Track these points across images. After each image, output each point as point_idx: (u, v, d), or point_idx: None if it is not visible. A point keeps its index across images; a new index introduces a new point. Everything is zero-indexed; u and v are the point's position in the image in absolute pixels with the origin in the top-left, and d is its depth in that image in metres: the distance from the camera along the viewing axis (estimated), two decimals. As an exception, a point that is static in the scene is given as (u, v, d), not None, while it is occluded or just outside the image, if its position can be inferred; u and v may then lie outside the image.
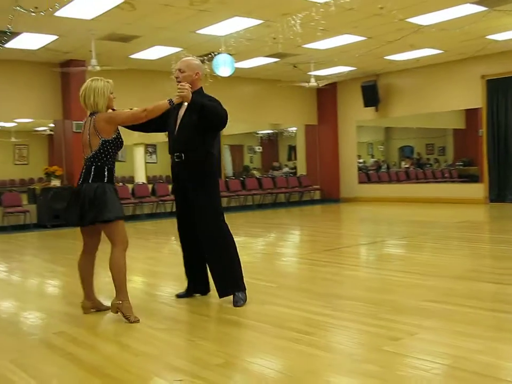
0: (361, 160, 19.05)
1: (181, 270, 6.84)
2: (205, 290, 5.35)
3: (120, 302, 4.57)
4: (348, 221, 13.78)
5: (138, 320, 4.53)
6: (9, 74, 12.83)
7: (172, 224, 12.49)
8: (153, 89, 14.25)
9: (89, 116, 4.79)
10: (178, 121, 5.07)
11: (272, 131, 22.99)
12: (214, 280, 5.04)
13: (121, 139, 4.79)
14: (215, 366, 3.43)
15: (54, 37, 10.93)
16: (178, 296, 5.33)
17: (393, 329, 3.99)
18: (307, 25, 10.13)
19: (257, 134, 23.18)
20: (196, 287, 5.33)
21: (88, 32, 10.50)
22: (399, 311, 4.50)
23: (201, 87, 5.13)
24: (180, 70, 5.07)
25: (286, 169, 21.70)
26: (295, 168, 20.49)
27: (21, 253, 9.52)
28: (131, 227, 12.66)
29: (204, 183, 5.01)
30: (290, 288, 5.67)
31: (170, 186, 15.07)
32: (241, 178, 17.20)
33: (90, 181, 4.62)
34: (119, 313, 4.57)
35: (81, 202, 4.57)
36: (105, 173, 4.66)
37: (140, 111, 4.73)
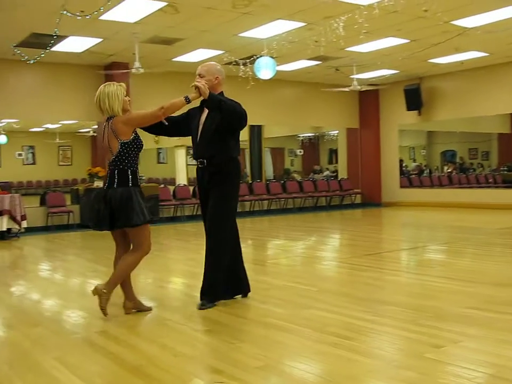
0: (403, 165, 18.83)
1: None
2: (243, 291, 5.37)
3: (105, 290, 4.68)
4: (389, 225, 13.64)
5: (107, 314, 4.69)
6: (54, 77, 13.08)
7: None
8: (194, 91, 14.34)
9: (106, 120, 4.85)
10: (200, 127, 5.10)
11: (313, 134, 22.90)
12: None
13: (140, 140, 4.84)
14: (255, 368, 3.42)
15: (99, 40, 11.11)
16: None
17: (435, 336, 3.93)
18: (350, 28, 10.06)
19: (299, 137, 23.12)
20: (233, 289, 5.33)
21: (131, 35, 10.63)
22: (441, 318, 4.42)
23: (222, 92, 5.17)
24: (199, 75, 5.10)
25: (326, 173, 21.59)
26: (336, 171, 20.36)
27: (64, 252, 9.68)
28: (171, 229, 12.78)
29: (223, 188, 5.04)
30: (330, 292, 5.63)
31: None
32: (282, 181, 17.18)
33: (115, 186, 4.69)
34: (96, 296, 4.70)
35: (108, 208, 4.67)
36: (129, 176, 4.73)
37: (157, 110, 4.75)
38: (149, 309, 5.00)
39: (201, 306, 4.95)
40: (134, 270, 4.92)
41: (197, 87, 4.86)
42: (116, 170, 4.72)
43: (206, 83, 4.89)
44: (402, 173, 18.18)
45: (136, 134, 4.82)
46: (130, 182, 4.71)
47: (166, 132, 5.30)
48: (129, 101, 4.87)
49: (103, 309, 4.68)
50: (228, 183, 5.08)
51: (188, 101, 4.84)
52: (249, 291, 5.37)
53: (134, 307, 4.96)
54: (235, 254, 5.27)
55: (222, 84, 5.19)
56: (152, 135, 5.53)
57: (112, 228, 4.76)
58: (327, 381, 3.23)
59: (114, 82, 4.85)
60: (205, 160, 5.06)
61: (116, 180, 4.70)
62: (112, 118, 4.78)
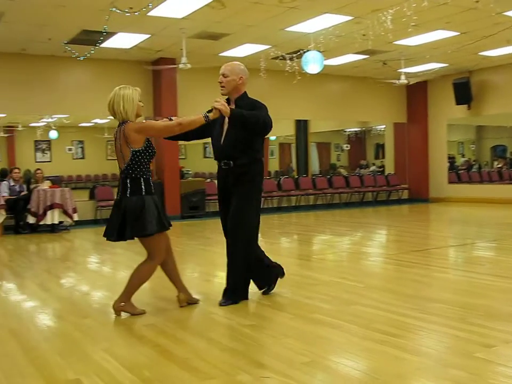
0: (454, 161, 18.52)
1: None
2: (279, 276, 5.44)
3: (122, 304, 4.74)
4: (437, 221, 13.43)
5: (144, 311, 4.76)
6: (103, 73, 13.27)
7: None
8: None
9: (119, 126, 4.73)
10: (225, 127, 5.04)
11: (359, 129, 22.73)
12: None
13: (153, 148, 4.73)
14: (301, 364, 3.42)
15: (146, 36, 11.22)
16: (264, 292, 5.37)
17: (486, 336, 3.85)
18: (398, 21, 9.92)
19: (345, 131, 22.97)
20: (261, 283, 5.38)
21: (179, 31, 10.71)
22: (492, 317, 4.34)
23: (245, 92, 5.15)
24: (223, 75, 5.04)
25: (373, 168, 21.40)
26: (382, 166, 20.15)
27: (112, 245, 9.80)
28: (217, 223, 12.82)
29: (247, 189, 5.05)
30: (377, 289, 5.58)
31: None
32: (328, 176, 17.09)
33: (128, 195, 4.62)
34: (123, 313, 4.74)
35: (120, 217, 4.62)
36: (142, 185, 4.64)
37: (174, 125, 4.70)
38: (197, 301, 5.07)
39: (223, 303, 4.97)
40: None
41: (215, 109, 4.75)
42: (128, 179, 4.64)
43: (225, 101, 4.84)
44: (452, 168, 17.88)
45: (149, 141, 4.70)
46: (143, 191, 4.63)
47: (185, 138, 5.26)
48: (142, 106, 4.78)
49: (135, 313, 4.74)
50: (252, 184, 5.10)
51: (207, 120, 4.76)
52: (284, 274, 5.46)
53: (187, 299, 5.01)
54: (259, 250, 5.28)
55: (245, 83, 5.15)
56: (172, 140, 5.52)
57: (120, 239, 4.71)
58: (373, 379, 3.20)
59: (130, 86, 4.71)
60: (231, 162, 5.03)
61: (128, 188, 4.63)
62: (124, 123, 4.65)
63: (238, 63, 5.22)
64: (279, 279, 5.43)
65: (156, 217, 4.63)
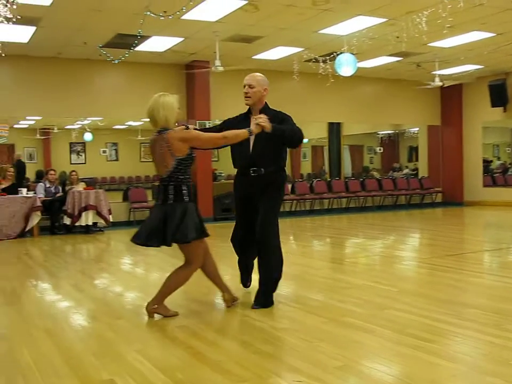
0: (489, 165, 18.25)
1: (298, 269, 6.89)
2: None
3: (156, 306, 4.79)
4: (471, 225, 13.25)
5: (177, 313, 4.83)
6: (137, 76, 13.42)
7: (290, 224, 12.53)
8: (273, 88, 14.37)
9: (158, 133, 4.73)
10: (252, 137, 5.05)
11: (392, 131, 22.54)
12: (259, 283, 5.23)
13: (193, 154, 4.75)
14: (334, 368, 3.40)
15: (180, 39, 11.31)
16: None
17: (522, 342, 3.79)
18: (433, 23, 9.82)
19: (378, 134, 22.81)
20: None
21: (212, 34, 10.76)
22: (529, 323, 4.26)
23: (266, 102, 5.29)
24: (250, 85, 5.18)
25: (406, 171, 21.20)
26: (415, 169, 19.95)
27: (145, 247, 9.90)
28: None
29: (274, 196, 5.19)
30: (410, 293, 5.53)
31: (289, 186, 15.22)
32: (361, 179, 16.99)
33: (171, 201, 4.62)
34: (156, 315, 4.80)
35: (162, 223, 4.62)
36: (185, 192, 4.65)
37: (219, 137, 4.83)
38: (237, 299, 5.15)
39: (255, 307, 5.02)
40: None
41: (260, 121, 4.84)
42: (171, 187, 4.63)
43: (266, 117, 4.88)
44: (488, 171, 17.62)
45: (191, 148, 4.71)
46: (186, 198, 4.64)
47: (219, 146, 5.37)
48: (180, 113, 4.83)
49: (168, 315, 4.80)
50: (280, 191, 5.28)
51: (250, 134, 4.88)
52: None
53: (232, 299, 5.11)
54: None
55: (267, 93, 5.31)
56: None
57: (163, 244, 4.71)
58: (407, 384, 3.17)
59: (169, 93, 4.76)
60: (262, 169, 5.14)
61: (171, 195, 4.63)
62: (165, 130, 4.66)
63: (261, 74, 5.38)
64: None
65: (197, 224, 4.66)
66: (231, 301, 5.08)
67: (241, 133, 4.83)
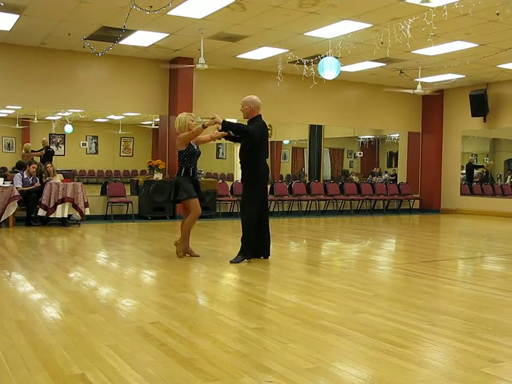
0: (464, 171, 18.42)
1: (273, 270, 6.92)
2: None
3: (179, 241, 7.71)
4: (447, 233, 13.37)
5: (185, 255, 7.66)
6: (121, 70, 13.35)
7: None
8: (256, 88, 14.40)
9: None
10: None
11: (373, 136, 22.66)
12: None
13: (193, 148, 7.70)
14: (306, 370, 3.41)
15: (165, 35, 11.25)
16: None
17: (493, 351, 3.82)
18: (417, 31, 9.90)
19: (358, 138, 22.92)
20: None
21: (197, 31, 10.73)
22: (500, 332, 4.31)
23: (258, 115, 7.52)
24: (241, 106, 7.54)
25: (385, 176, 21.33)
26: (394, 175, 20.08)
27: (121, 242, 9.87)
28: (228, 224, 12.88)
29: None
30: (385, 298, 5.56)
31: (268, 186, 15.25)
32: (340, 183, 17.05)
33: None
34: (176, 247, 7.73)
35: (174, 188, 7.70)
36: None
37: (189, 133, 7.58)
38: (197, 255, 7.69)
39: (233, 260, 7.37)
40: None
41: (213, 118, 7.33)
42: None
43: (217, 115, 7.35)
44: (470, 179, 17.84)
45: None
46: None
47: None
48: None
49: (178, 252, 7.69)
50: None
51: (204, 127, 7.39)
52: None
53: (185, 251, 7.71)
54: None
55: (255, 109, 7.49)
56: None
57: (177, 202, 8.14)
58: (378, 388, 3.18)
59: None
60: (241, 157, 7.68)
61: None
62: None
63: (250, 96, 7.59)
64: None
65: (187, 189, 7.57)
66: (181, 251, 7.67)
67: (199, 127, 7.44)
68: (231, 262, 7.33)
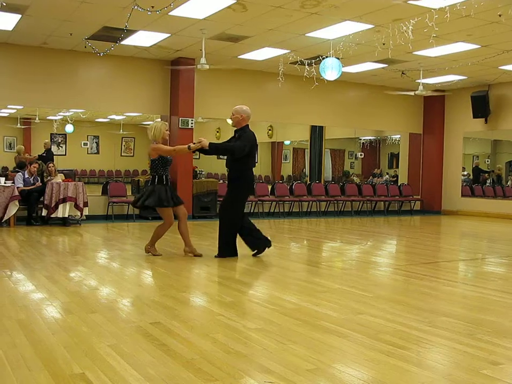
0: (465, 173, 18.42)
1: (274, 270, 6.93)
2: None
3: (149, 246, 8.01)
4: (448, 234, 13.36)
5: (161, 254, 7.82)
6: (122, 70, 13.35)
7: (268, 225, 12.54)
8: (258, 89, 14.40)
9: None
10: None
11: (374, 137, 22.66)
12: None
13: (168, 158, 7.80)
14: (306, 371, 3.41)
15: (167, 35, 11.26)
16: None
17: (494, 353, 3.82)
18: (419, 32, 9.90)
19: (360, 139, 22.92)
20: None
21: (199, 31, 10.73)
22: (500, 334, 4.31)
23: (247, 125, 7.71)
24: (232, 114, 7.74)
25: (386, 177, 21.33)
26: (395, 176, 20.07)
27: (122, 242, 9.87)
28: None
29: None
30: (385, 299, 5.56)
31: (269, 187, 15.28)
32: (341, 184, 17.04)
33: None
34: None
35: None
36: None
37: (171, 150, 7.84)
38: (200, 255, 7.78)
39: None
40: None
41: (199, 142, 7.54)
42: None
43: (203, 139, 7.58)
44: (477, 182, 17.84)
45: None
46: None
47: None
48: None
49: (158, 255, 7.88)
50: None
51: (189, 148, 7.58)
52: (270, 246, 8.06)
53: (190, 251, 7.82)
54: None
55: (246, 119, 7.70)
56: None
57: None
58: (378, 389, 3.18)
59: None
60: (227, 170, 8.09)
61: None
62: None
63: (242, 106, 7.79)
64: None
65: (164, 197, 7.67)
66: (188, 252, 7.84)
67: (184, 148, 7.77)
68: (215, 256, 7.78)
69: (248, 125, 7.75)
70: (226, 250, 7.76)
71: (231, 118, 7.79)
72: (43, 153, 15.73)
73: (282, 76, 12.98)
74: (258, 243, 7.92)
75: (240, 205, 7.81)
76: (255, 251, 7.93)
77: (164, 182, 7.68)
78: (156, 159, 7.66)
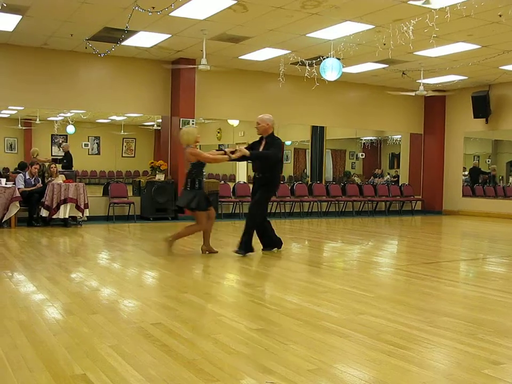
0: (466, 173, 18.41)
1: (275, 271, 6.94)
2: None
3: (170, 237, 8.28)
4: (449, 234, 13.36)
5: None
6: (123, 70, 13.36)
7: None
8: (258, 89, 14.40)
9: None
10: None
11: (375, 138, 22.66)
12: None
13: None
14: (307, 371, 3.41)
15: (167, 36, 11.26)
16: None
17: (495, 353, 3.82)
18: (420, 32, 9.90)
19: (360, 139, 22.92)
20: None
21: (200, 32, 10.74)
22: (501, 334, 4.30)
23: (272, 132, 8.16)
24: (257, 123, 8.14)
25: (387, 177, 21.32)
26: (396, 176, 20.07)
27: (123, 242, 9.87)
28: (230, 225, 12.87)
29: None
30: (387, 299, 5.56)
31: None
32: (342, 184, 17.04)
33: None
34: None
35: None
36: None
37: (211, 158, 7.99)
38: (216, 252, 8.12)
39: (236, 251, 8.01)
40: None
41: (239, 150, 7.93)
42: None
43: (243, 148, 8.00)
44: (477, 181, 17.84)
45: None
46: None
47: None
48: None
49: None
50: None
51: (229, 159, 7.99)
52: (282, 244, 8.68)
53: (207, 249, 8.08)
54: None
55: (272, 127, 8.15)
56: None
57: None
58: (380, 390, 3.18)
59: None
60: (261, 174, 8.19)
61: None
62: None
63: (265, 114, 8.23)
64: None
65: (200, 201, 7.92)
66: (205, 251, 8.08)
67: (224, 157, 7.97)
68: (235, 252, 8.04)
69: (273, 131, 8.22)
70: (250, 246, 8.08)
71: (256, 127, 8.15)
72: (63, 158, 15.70)
73: (283, 76, 12.99)
74: (271, 242, 8.59)
75: (267, 205, 8.50)
76: (267, 249, 8.55)
77: (202, 186, 7.99)
78: (196, 163, 7.86)
